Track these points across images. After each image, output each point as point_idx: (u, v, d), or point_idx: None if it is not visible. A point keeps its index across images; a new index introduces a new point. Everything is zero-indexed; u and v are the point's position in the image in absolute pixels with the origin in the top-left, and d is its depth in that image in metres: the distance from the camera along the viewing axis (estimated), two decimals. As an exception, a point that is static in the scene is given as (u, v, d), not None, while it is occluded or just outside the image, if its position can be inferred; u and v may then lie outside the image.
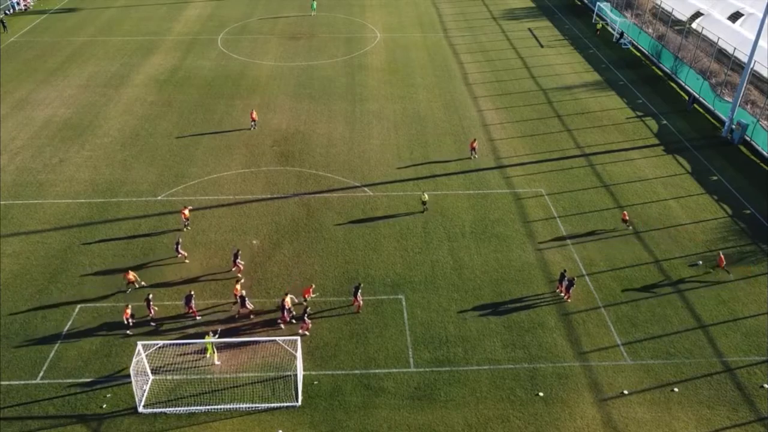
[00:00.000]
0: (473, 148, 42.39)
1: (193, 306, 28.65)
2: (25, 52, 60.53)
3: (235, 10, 73.78)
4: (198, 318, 28.77)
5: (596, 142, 45.19)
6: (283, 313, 28.29)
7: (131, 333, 28.21)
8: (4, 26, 65.44)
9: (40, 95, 51.53)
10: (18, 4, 72.58)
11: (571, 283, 30.16)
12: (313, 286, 30.56)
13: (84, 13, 72.16)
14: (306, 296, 29.68)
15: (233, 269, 31.96)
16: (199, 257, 33.13)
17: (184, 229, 34.93)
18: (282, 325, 28.64)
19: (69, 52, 60.43)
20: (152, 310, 28.42)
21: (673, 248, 34.33)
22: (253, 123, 46.17)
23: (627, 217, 35.60)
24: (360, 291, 29.25)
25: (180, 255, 32.52)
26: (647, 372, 26.88)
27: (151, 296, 28.67)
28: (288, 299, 28.27)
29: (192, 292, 28.88)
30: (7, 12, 70.93)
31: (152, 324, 28.66)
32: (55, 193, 38.38)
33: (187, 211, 34.91)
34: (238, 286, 29.26)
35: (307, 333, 28.19)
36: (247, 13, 72.82)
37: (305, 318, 28.19)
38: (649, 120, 48.50)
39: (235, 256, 31.78)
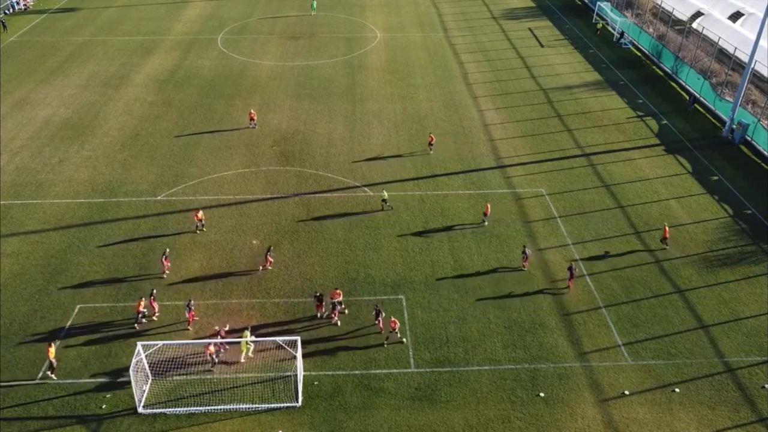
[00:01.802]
0: (431, 144, 43.23)
1: (193, 312, 28.68)
2: (24, 51, 60.44)
3: (234, 9, 73.69)
4: (189, 329, 28.60)
5: (597, 141, 45.12)
6: (334, 308, 28.82)
7: (138, 327, 28.34)
8: (4, 26, 65.33)
9: (40, 95, 51.44)
10: (17, 3, 72.47)
11: (571, 272, 30.71)
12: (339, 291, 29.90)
13: (84, 13, 72.06)
14: (334, 298, 29.10)
15: (263, 266, 32.08)
16: (199, 257, 33.05)
17: (198, 232, 34.84)
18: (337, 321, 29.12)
19: (69, 52, 60.34)
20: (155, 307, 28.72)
21: (674, 248, 34.24)
22: (252, 123, 46.12)
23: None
24: (381, 314, 28.38)
25: (165, 265, 31.48)
26: (648, 372, 26.80)
27: (155, 291, 29.12)
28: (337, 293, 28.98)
29: (191, 301, 28.87)
30: (6, 12, 70.82)
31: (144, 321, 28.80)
32: (54, 193, 38.30)
33: (200, 214, 34.80)
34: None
35: (336, 318, 28.91)
36: (246, 12, 72.73)
37: (334, 309, 28.79)
38: (650, 120, 48.43)
39: (268, 250, 32.34)
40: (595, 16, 70.38)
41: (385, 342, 27.96)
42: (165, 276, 31.51)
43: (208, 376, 26.19)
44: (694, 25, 62.71)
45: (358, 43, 63.42)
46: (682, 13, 62.69)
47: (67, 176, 40.13)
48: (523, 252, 32.38)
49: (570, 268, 31.01)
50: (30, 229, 35.13)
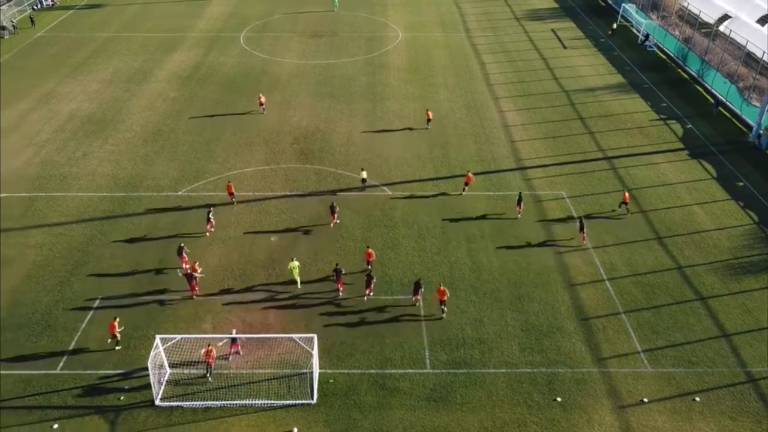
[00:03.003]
0: (429, 119, 45.89)
1: (195, 285, 29.94)
2: (51, 47, 61.43)
3: (257, 7, 74.12)
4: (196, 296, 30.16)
5: (619, 145, 44.56)
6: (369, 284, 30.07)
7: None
8: (32, 22, 66.49)
9: (65, 89, 52.22)
10: (45, -1, 73.71)
11: (581, 224, 33.80)
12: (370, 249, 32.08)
13: (109, 9, 73.03)
14: (369, 260, 31.50)
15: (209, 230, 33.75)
16: (218, 252, 33.27)
17: (234, 204, 36.93)
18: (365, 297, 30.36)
19: (94, 48, 61.18)
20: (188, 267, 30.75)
21: (697, 255, 33.70)
22: (262, 108, 47.57)
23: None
24: (421, 289, 29.68)
25: (183, 260, 31.79)
26: (668, 380, 26.40)
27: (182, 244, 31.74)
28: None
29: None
30: (35, 7, 72.04)
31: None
32: (78, 186, 38.85)
33: (233, 186, 36.92)
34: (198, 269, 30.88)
35: (371, 294, 30.19)
36: (269, 10, 73.11)
37: (371, 281, 29.93)
38: (674, 123, 47.71)
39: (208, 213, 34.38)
40: (619, 17, 69.57)
41: (443, 314, 29.28)
42: (180, 271, 31.77)
43: (225, 371, 26.35)
44: (721, 28, 61.65)
45: (379, 42, 63.41)
46: (709, 16, 61.67)
47: (91, 170, 40.67)
48: (519, 199, 35.77)
49: (580, 220, 34.00)
50: (54, 221, 35.67)
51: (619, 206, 36.97)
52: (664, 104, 50.77)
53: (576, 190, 39.25)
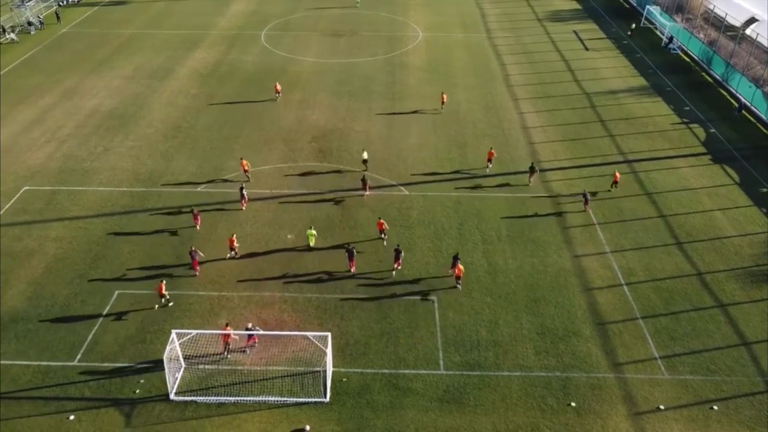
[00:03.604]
0: (443, 102, 48.44)
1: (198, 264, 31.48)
2: (75, 42, 62.33)
3: (278, 5, 74.49)
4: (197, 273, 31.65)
5: (640, 148, 44.00)
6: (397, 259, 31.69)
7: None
8: (58, 17, 67.54)
9: (89, 85, 52.95)
10: (71, -4, 74.78)
11: (586, 198, 36.08)
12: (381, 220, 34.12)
13: (133, 6, 73.92)
14: (382, 228, 33.77)
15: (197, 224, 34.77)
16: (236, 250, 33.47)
17: (249, 180, 38.66)
18: (393, 272, 31.87)
19: (117, 44, 61.96)
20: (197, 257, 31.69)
21: (717, 261, 33.15)
22: (277, 95, 49.99)
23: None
24: (459, 260, 31.34)
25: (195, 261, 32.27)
26: (685, 388, 26.00)
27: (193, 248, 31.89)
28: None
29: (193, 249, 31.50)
30: (61, 3, 73.15)
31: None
32: (98, 181, 39.36)
33: (246, 163, 38.30)
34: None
35: (398, 266, 31.82)
36: (290, 8, 73.42)
37: (398, 256, 31.63)
38: (696, 127, 46.99)
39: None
40: (642, 19, 68.68)
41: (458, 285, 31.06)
42: (197, 275, 31.98)
43: (239, 367, 26.51)
44: (748, 31, 60.56)
45: (399, 42, 63.34)
46: (736, 19, 60.60)
47: (111, 165, 41.19)
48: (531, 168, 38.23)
49: (584, 194, 36.26)
50: (74, 214, 36.18)
51: (612, 186, 38.78)
52: (687, 108, 50.03)
53: (596, 193, 38.79)
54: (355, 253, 31.64)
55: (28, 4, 67.32)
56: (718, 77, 55.10)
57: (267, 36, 64.64)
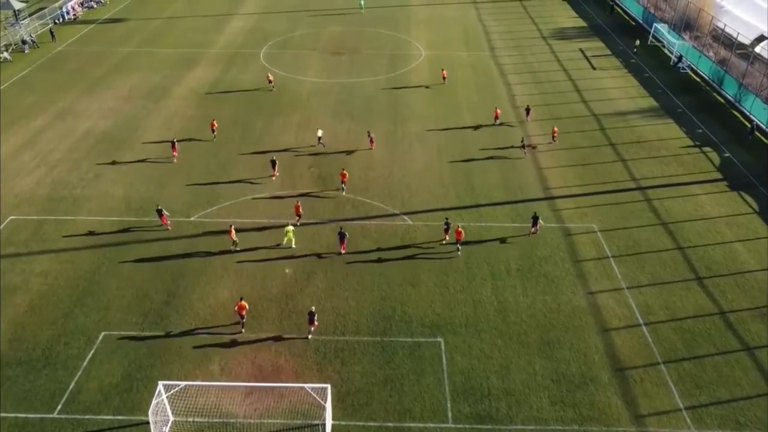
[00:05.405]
0: (444, 78, 52.40)
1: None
2: (71, 61, 60.86)
3: (279, 23, 73.12)
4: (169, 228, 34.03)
5: (653, 174, 42.23)
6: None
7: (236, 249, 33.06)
8: (53, 36, 66.09)
9: (83, 106, 51.38)
10: (68, 13, 73.49)
11: (535, 220, 35.11)
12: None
13: (131, 24, 72.56)
14: (344, 181, 37.83)
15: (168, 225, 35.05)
16: (229, 285, 31.65)
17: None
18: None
19: (113, 63, 60.49)
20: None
21: (741, 298, 31.28)
22: (270, 84, 53.50)
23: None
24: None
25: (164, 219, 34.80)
26: (714, 443, 24.09)
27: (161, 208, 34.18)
28: None
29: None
30: (56, 21, 71.78)
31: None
32: (88, 210, 37.59)
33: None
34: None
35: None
36: (290, 26, 72.03)
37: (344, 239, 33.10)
38: (710, 151, 45.26)
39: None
40: (650, 37, 67.24)
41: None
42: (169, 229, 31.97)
43: (232, 420, 24.57)
44: (758, 49, 59.04)
45: (402, 61, 61.83)
46: (745, 36, 59.08)
47: (102, 192, 39.45)
48: (534, 219, 35.48)
49: (534, 217, 35.19)
50: (61, 246, 34.39)
51: (552, 139, 43.61)
52: (700, 130, 48.34)
53: (608, 223, 37.02)
54: (346, 236, 33.28)
55: (22, 22, 65.93)
56: (730, 97, 53.49)
57: (266, 54, 63.15)
